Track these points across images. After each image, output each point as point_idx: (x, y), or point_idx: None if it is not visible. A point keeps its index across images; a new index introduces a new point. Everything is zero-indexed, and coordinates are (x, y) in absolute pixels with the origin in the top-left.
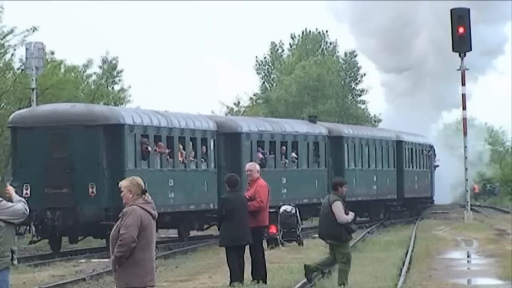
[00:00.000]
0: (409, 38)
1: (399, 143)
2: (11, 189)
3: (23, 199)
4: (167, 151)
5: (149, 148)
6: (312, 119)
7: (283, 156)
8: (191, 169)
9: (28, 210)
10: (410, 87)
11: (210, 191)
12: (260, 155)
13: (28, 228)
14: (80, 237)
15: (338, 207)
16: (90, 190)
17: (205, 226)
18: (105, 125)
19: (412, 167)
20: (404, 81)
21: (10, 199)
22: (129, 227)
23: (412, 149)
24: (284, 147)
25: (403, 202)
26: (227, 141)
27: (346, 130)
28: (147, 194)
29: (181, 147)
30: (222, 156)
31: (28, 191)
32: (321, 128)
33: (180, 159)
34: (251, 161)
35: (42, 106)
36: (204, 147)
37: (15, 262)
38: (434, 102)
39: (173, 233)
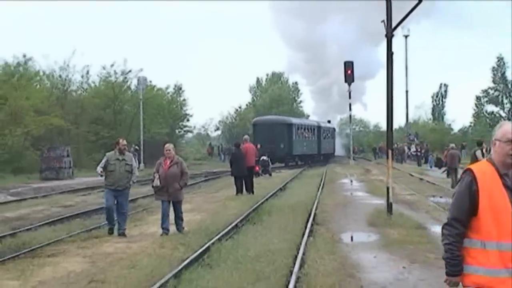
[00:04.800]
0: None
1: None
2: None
3: (136, 172)
4: (311, 135)
5: (305, 135)
6: (329, 121)
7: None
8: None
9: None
10: (326, 95)
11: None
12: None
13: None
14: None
15: None
16: (281, 146)
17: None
18: (286, 123)
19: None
20: (322, 91)
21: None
22: (187, 168)
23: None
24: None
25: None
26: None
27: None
28: None
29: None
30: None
31: (259, 146)
32: (334, 125)
33: (316, 139)
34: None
35: (263, 117)
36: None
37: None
38: (338, 105)
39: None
